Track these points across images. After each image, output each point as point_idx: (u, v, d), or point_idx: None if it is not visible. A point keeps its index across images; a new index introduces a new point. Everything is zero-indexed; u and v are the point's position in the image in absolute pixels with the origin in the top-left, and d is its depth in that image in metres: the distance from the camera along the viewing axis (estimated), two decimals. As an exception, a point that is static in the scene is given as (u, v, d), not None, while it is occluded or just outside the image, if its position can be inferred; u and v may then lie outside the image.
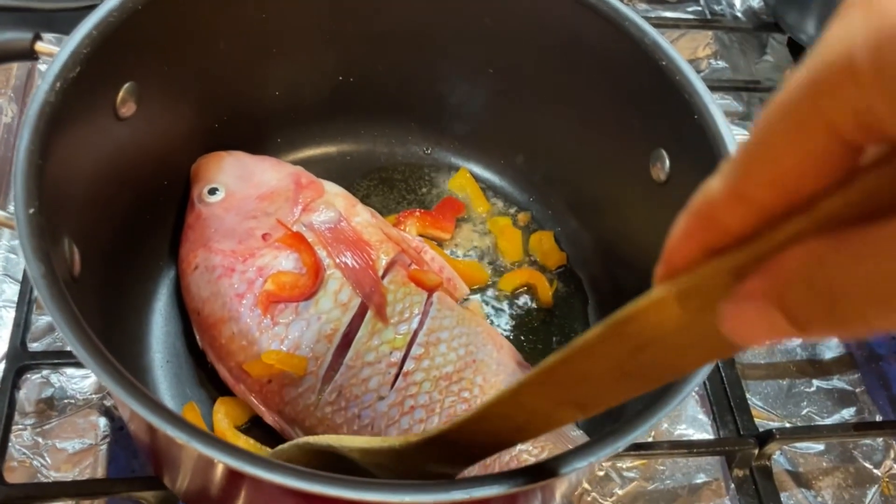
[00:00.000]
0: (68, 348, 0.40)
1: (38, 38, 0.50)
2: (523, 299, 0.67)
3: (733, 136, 0.51)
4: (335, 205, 0.62)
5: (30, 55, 0.50)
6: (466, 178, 0.73)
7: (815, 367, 0.72)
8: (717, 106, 0.52)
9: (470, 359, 0.57)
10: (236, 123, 0.66)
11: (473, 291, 0.66)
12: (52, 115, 0.46)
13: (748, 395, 0.67)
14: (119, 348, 0.55)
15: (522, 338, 0.65)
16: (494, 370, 0.58)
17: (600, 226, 0.67)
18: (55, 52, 0.49)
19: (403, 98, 0.71)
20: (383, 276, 0.59)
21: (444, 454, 0.39)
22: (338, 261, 0.58)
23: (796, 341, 0.73)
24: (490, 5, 0.61)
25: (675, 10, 0.98)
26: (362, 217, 0.62)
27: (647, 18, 0.92)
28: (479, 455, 0.39)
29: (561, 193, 0.70)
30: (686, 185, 0.56)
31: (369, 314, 0.57)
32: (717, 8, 0.99)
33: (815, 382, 0.71)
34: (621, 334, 0.26)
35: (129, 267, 0.59)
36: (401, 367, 0.55)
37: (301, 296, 0.57)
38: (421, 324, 0.57)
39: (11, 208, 0.69)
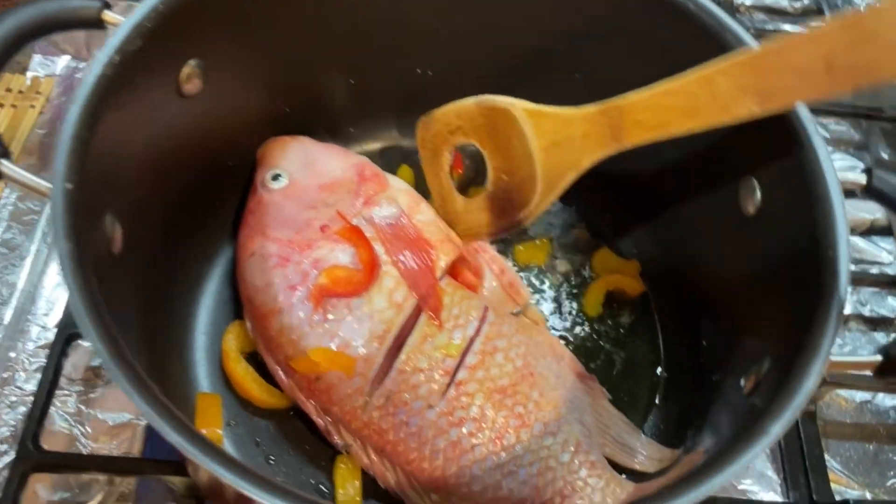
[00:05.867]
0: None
1: (106, 6, 0.49)
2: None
3: (836, 178, 0.45)
4: (398, 200, 0.59)
5: (96, 24, 0.49)
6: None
7: (910, 433, 0.64)
8: (821, 139, 0.45)
9: (527, 371, 0.54)
10: (308, 109, 0.64)
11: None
12: (107, 87, 0.44)
13: (827, 456, 0.61)
14: (159, 327, 0.55)
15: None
16: (553, 384, 0.54)
17: (679, 252, 0.62)
18: (122, 21, 0.48)
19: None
20: (441, 278, 0.56)
21: None
22: (395, 258, 0.55)
23: (890, 401, 0.65)
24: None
25: (795, 22, 0.90)
26: (425, 216, 0.59)
27: (765, 31, 0.86)
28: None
29: (638, 215, 0.65)
30: (776, 222, 0.50)
31: (423, 317, 0.54)
32: (844, 24, 0.91)
33: (907, 451, 0.64)
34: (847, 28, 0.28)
35: (182, 247, 0.58)
36: (453, 376, 0.52)
37: (354, 292, 0.54)
38: (478, 330, 0.54)
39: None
